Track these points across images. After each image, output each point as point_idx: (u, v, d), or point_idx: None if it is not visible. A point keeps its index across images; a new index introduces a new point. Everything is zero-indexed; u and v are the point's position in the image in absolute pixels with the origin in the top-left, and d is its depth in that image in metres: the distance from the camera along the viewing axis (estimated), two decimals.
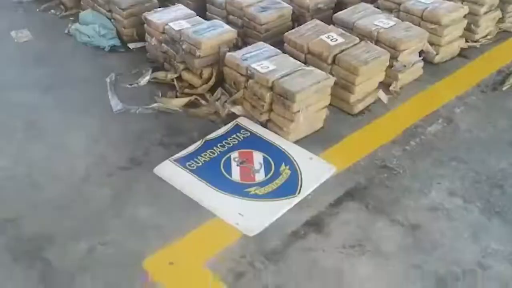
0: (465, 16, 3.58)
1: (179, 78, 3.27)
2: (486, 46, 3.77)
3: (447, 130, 3.01)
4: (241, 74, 2.95)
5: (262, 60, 2.93)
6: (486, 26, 3.80)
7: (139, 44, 3.60)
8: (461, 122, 3.07)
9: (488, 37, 3.84)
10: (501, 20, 3.92)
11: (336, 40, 3.11)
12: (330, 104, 3.03)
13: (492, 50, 3.75)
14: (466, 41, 3.72)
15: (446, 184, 2.63)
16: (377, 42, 3.24)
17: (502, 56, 3.68)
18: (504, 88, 3.36)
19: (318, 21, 3.33)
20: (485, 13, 3.72)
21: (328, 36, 3.14)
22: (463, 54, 3.66)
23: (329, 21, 3.45)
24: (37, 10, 4.13)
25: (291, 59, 3.00)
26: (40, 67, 3.47)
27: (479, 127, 3.04)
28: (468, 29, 3.71)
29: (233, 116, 3.03)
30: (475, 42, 3.76)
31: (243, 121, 2.98)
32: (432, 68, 3.49)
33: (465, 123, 3.07)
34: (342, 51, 3.05)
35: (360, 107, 3.11)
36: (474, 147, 2.89)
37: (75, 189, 2.58)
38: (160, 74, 3.33)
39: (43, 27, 3.93)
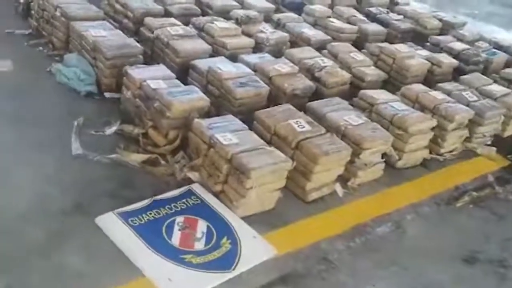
0: (432, 129, 3.72)
1: (145, 135, 3.30)
2: (449, 161, 3.88)
3: (394, 234, 3.03)
4: (204, 142, 2.99)
5: (227, 132, 2.99)
6: (453, 142, 3.93)
7: (115, 95, 3.66)
8: (409, 229, 3.10)
9: (453, 153, 3.95)
10: (468, 139, 4.06)
11: (304, 127, 3.20)
12: (286, 187, 3.06)
13: (454, 166, 3.85)
14: (431, 152, 3.83)
15: (381, 287, 2.61)
16: (343, 137, 3.32)
17: (462, 173, 3.78)
18: (458, 205, 3.42)
19: (290, 106, 3.44)
20: (453, 129, 3.86)
21: (297, 122, 3.22)
22: (425, 164, 3.75)
23: (303, 108, 3.56)
24: (26, 44, 4.23)
25: (255, 136, 3.06)
26: (13, 99, 3.50)
27: (426, 238, 3.07)
28: (434, 141, 3.83)
29: (188, 181, 3.04)
30: (439, 155, 3.87)
31: (197, 187, 2.98)
32: (393, 172, 3.56)
33: (413, 231, 3.10)
34: (307, 138, 3.12)
35: (314, 195, 3.13)
36: (417, 256, 2.89)
37: (9, 225, 2.51)
38: (128, 127, 3.36)
39: (27, 61, 4.00)
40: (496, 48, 5.54)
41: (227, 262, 2.54)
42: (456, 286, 2.75)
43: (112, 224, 2.62)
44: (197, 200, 2.89)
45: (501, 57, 5.36)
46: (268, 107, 3.52)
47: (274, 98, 3.71)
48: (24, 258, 2.36)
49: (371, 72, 4.30)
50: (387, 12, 5.94)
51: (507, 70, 4.99)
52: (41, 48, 4.20)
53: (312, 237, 2.85)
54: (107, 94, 3.68)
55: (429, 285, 2.70)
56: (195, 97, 3.28)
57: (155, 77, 3.40)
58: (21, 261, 2.34)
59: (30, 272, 2.29)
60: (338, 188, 3.24)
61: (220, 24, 4.36)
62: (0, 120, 3.27)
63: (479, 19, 7.73)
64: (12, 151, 3.02)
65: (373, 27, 5.38)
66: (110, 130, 3.34)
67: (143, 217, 2.69)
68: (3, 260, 2.32)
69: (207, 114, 3.33)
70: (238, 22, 4.56)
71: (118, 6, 4.54)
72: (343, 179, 3.29)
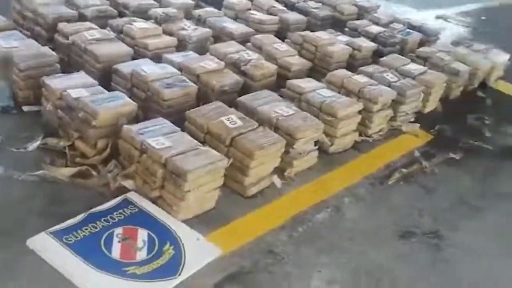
0: (359, 112, 3.83)
1: (72, 147, 3.15)
2: (378, 142, 4.01)
3: (333, 218, 3.10)
4: (136, 148, 2.90)
5: (158, 136, 2.91)
6: (379, 123, 4.07)
7: (34, 108, 3.47)
8: (347, 212, 3.18)
9: (381, 133, 4.10)
10: (393, 118, 4.22)
11: (236, 123, 3.18)
12: (224, 185, 3.04)
13: (382, 145, 3.99)
14: (360, 135, 3.95)
15: (326, 273, 2.67)
16: (276, 129, 3.34)
17: (391, 151, 3.93)
18: (389, 183, 3.55)
19: (220, 103, 3.41)
20: (378, 111, 4.00)
21: (228, 118, 3.20)
22: (356, 147, 3.86)
23: (233, 103, 3.55)
24: None
25: (188, 137, 3.01)
26: None
27: (364, 219, 3.16)
28: (362, 124, 3.95)
29: (124, 190, 2.94)
30: (368, 136, 4.00)
31: (133, 196, 2.89)
32: (326, 158, 3.64)
33: (352, 213, 3.18)
34: (240, 134, 3.11)
35: (253, 190, 3.14)
36: (358, 238, 2.98)
37: None
38: (52, 141, 3.20)
39: None
40: (409, 28, 5.78)
41: (171, 268, 2.49)
42: (396, 263, 2.85)
43: (45, 245, 2.49)
44: (135, 209, 2.80)
45: (415, 36, 5.59)
46: (197, 106, 3.47)
47: (202, 96, 3.66)
48: None
49: (296, 62, 4.35)
50: (305, 1, 6.03)
51: (422, 49, 5.22)
52: None
53: (255, 232, 2.85)
54: (25, 108, 3.48)
55: (370, 265, 2.79)
56: (121, 102, 3.17)
57: (76, 86, 3.24)
58: None
59: None
60: (276, 180, 3.26)
61: (139, 24, 4.23)
62: None
63: (393, 1, 8.03)
64: None
65: (293, 16, 5.43)
66: (33, 145, 3.16)
67: (78, 234, 2.58)
68: None
69: (135, 119, 3.23)
70: (157, 21, 4.45)
71: (28, 13, 4.28)
72: (279, 170, 3.32)
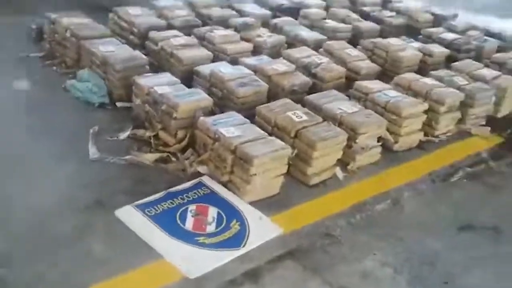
0: (425, 112, 3.93)
1: (156, 136, 3.57)
2: (445, 142, 4.08)
3: (392, 210, 3.25)
4: (210, 137, 3.25)
5: (230, 126, 3.24)
6: (446, 124, 4.14)
7: (126, 104, 3.95)
8: (406, 204, 3.31)
9: (448, 134, 4.16)
10: (461, 121, 4.27)
11: (301, 117, 3.44)
12: (290, 175, 3.30)
13: (449, 146, 4.05)
14: (426, 135, 4.04)
15: (380, 256, 2.83)
16: (340, 124, 3.56)
17: (457, 152, 3.98)
18: (452, 180, 3.62)
19: (288, 100, 3.69)
20: (445, 112, 4.07)
21: (294, 113, 3.47)
22: (421, 146, 3.96)
23: (302, 102, 3.81)
24: (41, 65, 4.54)
25: (257, 128, 3.31)
26: (33, 115, 3.79)
27: (422, 211, 3.27)
28: (429, 124, 4.05)
29: (198, 174, 3.29)
30: (435, 137, 4.08)
31: (206, 179, 3.23)
32: (391, 155, 3.78)
33: (411, 206, 3.31)
34: (304, 127, 3.36)
35: (316, 180, 3.36)
36: (414, 228, 3.10)
37: (40, 220, 2.79)
38: (139, 131, 3.63)
39: (43, 80, 4.30)
40: (487, 36, 5.75)
41: (236, 241, 2.78)
42: (451, 252, 2.95)
43: (130, 215, 2.88)
44: (207, 190, 3.14)
45: (493, 43, 5.57)
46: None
47: (274, 95, 3.96)
48: (54, 248, 2.62)
49: (366, 65, 4.55)
50: (380, 10, 6.20)
51: (498, 54, 5.21)
52: (55, 67, 4.51)
53: (315, 216, 3.07)
54: (118, 104, 3.97)
55: (425, 253, 2.90)
56: (199, 97, 3.55)
57: (161, 83, 3.67)
58: (52, 250, 2.60)
59: (60, 260, 2.55)
60: (338, 172, 3.47)
61: (219, 32, 4.65)
62: (23, 134, 3.55)
63: (475, 11, 7.92)
64: (37, 161, 3.29)
65: (366, 24, 5.63)
66: (124, 135, 3.62)
67: (158, 208, 2.95)
68: (35, 250, 2.59)
69: (211, 114, 3.59)
70: (236, 29, 4.84)
71: (123, 24, 4.85)
72: (343, 164, 3.52)
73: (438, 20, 6.18)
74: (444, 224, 3.19)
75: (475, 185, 3.61)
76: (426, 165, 3.76)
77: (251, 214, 2.98)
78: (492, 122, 4.43)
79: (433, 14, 6.28)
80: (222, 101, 3.86)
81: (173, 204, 2.99)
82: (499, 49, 5.55)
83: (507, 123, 4.49)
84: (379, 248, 2.90)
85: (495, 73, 4.69)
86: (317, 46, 4.84)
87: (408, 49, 4.94)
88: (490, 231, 3.15)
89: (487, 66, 4.94)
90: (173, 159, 3.41)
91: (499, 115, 4.60)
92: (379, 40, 5.04)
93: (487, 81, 4.51)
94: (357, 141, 3.50)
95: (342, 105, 3.69)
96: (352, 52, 4.70)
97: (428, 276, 2.74)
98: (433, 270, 2.79)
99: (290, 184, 3.30)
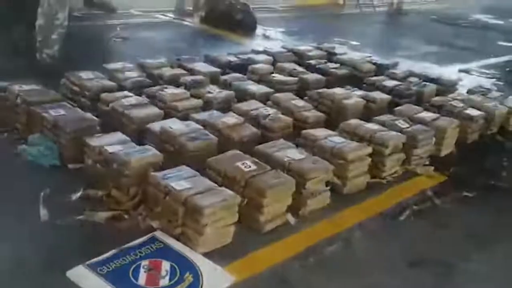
0: (370, 155, 4.11)
1: (108, 195, 3.59)
2: (392, 183, 4.25)
3: (344, 251, 3.33)
4: (160, 191, 3.30)
5: (180, 180, 3.31)
6: (392, 165, 4.31)
7: (77, 165, 3.96)
8: (358, 244, 3.41)
9: (394, 175, 4.34)
10: (407, 162, 4.47)
11: (250, 167, 3.55)
12: (242, 224, 3.37)
13: (396, 186, 4.22)
14: (374, 177, 4.21)
15: None
16: (288, 171, 3.68)
17: (404, 191, 4.14)
18: (401, 218, 3.76)
19: (238, 151, 3.80)
20: (390, 154, 4.27)
21: (243, 163, 3.58)
22: (370, 188, 4.11)
23: (251, 152, 3.93)
24: None
25: (206, 180, 3.39)
26: None
27: (374, 250, 3.37)
28: (376, 167, 4.22)
29: (152, 229, 3.31)
30: (382, 178, 4.25)
31: (159, 234, 3.25)
32: (341, 198, 3.90)
33: (362, 245, 3.41)
34: (253, 176, 3.47)
35: (268, 227, 3.43)
36: (366, 267, 3.18)
37: None
38: (91, 191, 3.64)
39: None
40: (426, 81, 6.11)
41: None
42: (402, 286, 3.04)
43: (82, 276, 2.86)
44: (160, 245, 3.16)
45: (431, 88, 5.92)
46: None
47: (224, 148, 4.06)
48: None
49: (312, 115, 4.74)
50: (325, 63, 6.52)
51: (436, 98, 5.53)
52: (5, 134, 4.51)
53: (269, 263, 3.12)
54: (70, 165, 3.99)
55: None
56: (150, 154, 3.62)
57: (112, 143, 3.73)
58: None
59: None
60: (290, 217, 3.55)
61: (170, 90, 4.79)
62: None
63: (416, 59, 8.43)
64: None
65: (313, 76, 5.90)
66: (76, 195, 3.62)
67: (110, 266, 2.94)
68: None
69: (162, 169, 3.64)
70: (186, 87, 5.00)
71: (75, 88, 4.93)
72: (294, 210, 3.61)
73: (380, 69, 6.54)
74: (395, 260, 3.28)
75: (422, 222, 3.75)
76: (376, 205, 3.90)
77: (204, 265, 3.01)
78: (435, 161, 4.65)
79: (375, 63, 6.65)
80: (174, 156, 3.94)
81: (125, 261, 2.99)
82: (438, 93, 5.90)
83: (449, 162, 4.71)
84: None
85: (433, 115, 4.97)
86: (265, 99, 5.03)
87: (352, 97, 5.19)
88: (439, 266, 3.26)
89: (426, 109, 5.23)
90: (126, 216, 3.43)
91: (442, 154, 4.84)
92: (324, 90, 5.29)
93: (427, 123, 4.76)
94: (306, 186, 3.62)
95: (290, 153, 3.83)
96: (299, 102, 4.91)
97: None
98: None
99: (244, 232, 3.35)
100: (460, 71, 7.97)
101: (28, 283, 2.79)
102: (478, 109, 5.35)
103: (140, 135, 4.22)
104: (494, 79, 7.73)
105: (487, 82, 7.39)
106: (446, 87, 6.15)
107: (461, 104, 5.32)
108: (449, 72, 7.50)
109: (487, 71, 8.11)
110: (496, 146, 5.25)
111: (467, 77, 7.57)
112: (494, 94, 5.96)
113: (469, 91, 6.11)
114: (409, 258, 3.32)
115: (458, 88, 6.29)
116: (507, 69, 8.33)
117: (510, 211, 4.05)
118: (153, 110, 4.46)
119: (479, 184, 4.36)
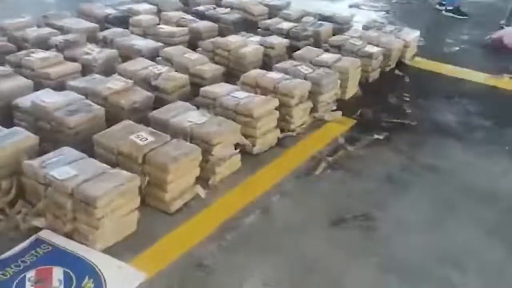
0: (277, 108, 3.77)
1: None
2: (303, 135, 3.97)
3: (263, 220, 3.01)
4: (40, 183, 2.72)
5: (62, 166, 2.74)
6: (300, 116, 4.02)
7: None
8: (276, 210, 3.10)
9: (304, 126, 4.06)
10: (314, 109, 4.20)
11: (146, 139, 3.05)
12: (147, 205, 2.91)
13: (307, 137, 3.95)
14: (283, 131, 3.90)
15: (259, 276, 2.57)
16: (192, 139, 3.24)
17: (315, 142, 3.89)
18: (317, 173, 3.51)
19: (129, 121, 3.27)
20: (297, 104, 3.96)
21: (138, 135, 3.07)
22: (281, 143, 3.81)
23: (147, 120, 3.42)
24: None
25: (96, 162, 2.85)
26: None
27: (294, 214, 3.09)
28: (283, 119, 3.91)
29: (36, 229, 2.74)
30: (291, 131, 3.96)
31: (45, 234, 2.70)
32: (252, 159, 3.56)
33: (280, 210, 3.11)
34: (152, 150, 2.99)
35: (177, 204, 3.01)
36: (288, 235, 2.90)
37: None
38: None
39: None
40: (321, 20, 5.84)
41: None
42: (330, 250, 2.80)
43: None
44: (48, 248, 2.61)
45: (327, 27, 5.66)
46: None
47: (113, 119, 3.50)
48: None
49: (209, 68, 4.28)
50: (214, 8, 5.99)
51: (334, 37, 5.28)
52: None
53: (182, 248, 2.72)
54: None
55: (306, 260, 2.72)
56: (20, 138, 2.97)
57: None
58: None
59: None
60: (199, 189, 3.14)
61: (38, 55, 4.03)
62: None
63: None
64: None
65: (204, 24, 5.37)
66: None
67: None
68: None
69: (42, 153, 3.04)
70: (58, 49, 4.27)
71: None
72: (203, 180, 3.21)
73: (272, 11, 6.15)
74: (317, 222, 3.03)
75: (338, 174, 3.53)
76: (288, 162, 3.60)
77: (107, 265, 2.53)
78: (341, 106, 4.44)
79: (266, 5, 6.24)
80: (53, 135, 3.31)
81: (5, 276, 2.42)
82: (334, 32, 5.66)
83: (355, 104, 4.54)
84: (258, 267, 2.64)
85: (335, 56, 4.72)
86: (154, 55, 4.46)
87: (249, 45, 4.77)
88: (361, 220, 3.06)
89: (326, 50, 4.98)
90: (1, 217, 2.81)
91: (346, 97, 4.65)
92: (218, 39, 4.80)
93: (329, 66, 4.51)
94: (212, 153, 3.21)
95: (190, 117, 3.37)
96: (193, 56, 4.41)
97: (313, 286, 2.55)
98: (318, 277, 2.60)
99: (149, 216, 2.91)
100: (351, 6, 7.84)
101: None
102: (376, 45, 5.20)
103: (7, 113, 3.51)
104: (384, 12, 7.69)
105: (377, 16, 7.33)
106: (341, 24, 5.92)
107: (360, 42, 5.12)
108: (340, 8, 7.33)
109: (376, 4, 8.06)
110: (397, 82, 5.17)
111: (359, 12, 7.44)
112: (388, 28, 5.84)
113: (364, 27, 5.94)
114: (331, 215, 3.08)
115: (353, 25, 6.09)
116: (394, 0, 8.35)
117: (420, 149, 3.96)
118: (20, 80, 3.72)
119: (387, 126, 4.23)
